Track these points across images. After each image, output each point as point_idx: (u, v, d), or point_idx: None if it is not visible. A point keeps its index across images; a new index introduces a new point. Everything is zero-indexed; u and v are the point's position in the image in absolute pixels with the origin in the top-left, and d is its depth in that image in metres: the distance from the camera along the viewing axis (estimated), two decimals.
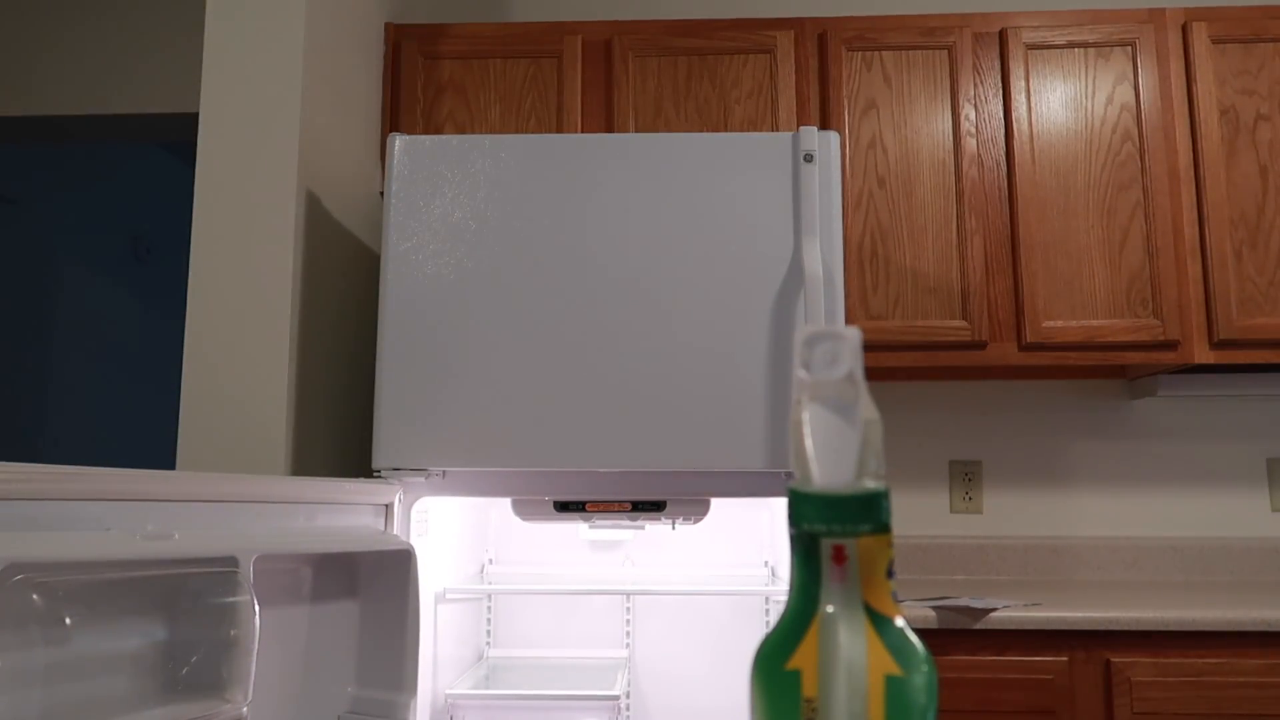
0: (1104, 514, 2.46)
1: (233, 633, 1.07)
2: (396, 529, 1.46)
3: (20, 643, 0.89)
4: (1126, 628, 1.81)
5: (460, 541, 1.83)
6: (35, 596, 0.91)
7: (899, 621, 0.37)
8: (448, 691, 1.60)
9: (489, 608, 1.96)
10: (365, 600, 1.38)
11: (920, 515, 2.48)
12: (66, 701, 0.94)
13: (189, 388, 1.64)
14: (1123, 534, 2.45)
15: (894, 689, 0.34)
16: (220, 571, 1.08)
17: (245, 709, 1.05)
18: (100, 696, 0.97)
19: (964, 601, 1.84)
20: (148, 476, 1.07)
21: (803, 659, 0.36)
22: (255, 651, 1.08)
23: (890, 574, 0.38)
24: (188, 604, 1.07)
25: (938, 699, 0.36)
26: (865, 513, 0.37)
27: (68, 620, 0.95)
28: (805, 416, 0.37)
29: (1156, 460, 2.47)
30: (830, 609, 0.37)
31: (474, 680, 1.74)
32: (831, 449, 0.37)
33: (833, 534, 0.37)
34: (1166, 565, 2.42)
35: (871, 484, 0.37)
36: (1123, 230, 2.19)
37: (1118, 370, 2.40)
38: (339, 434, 1.88)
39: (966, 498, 2.48)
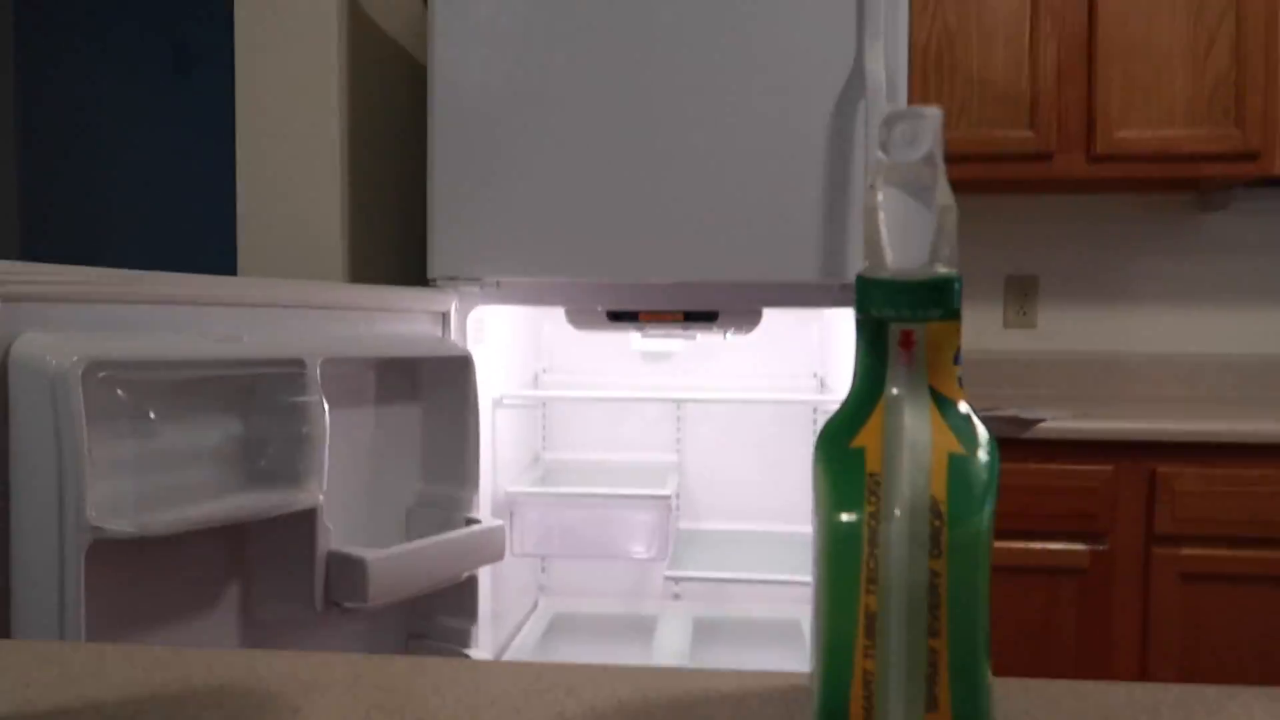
0: (1161, 330, 2.43)
1: (304, 430, 1.12)
2: (454, 337, 1.50)
3: (111, 434, 0.95)
4: (1175, 439, 1.82)
5: (515, 351, 1.87)
6: (120, 392, 0.96)
7: (963, 406, 0.38)
8: (507, 489, 1.68)
9: (544, 414, 2.03)
10: (427, 404, 1.43)
11: (973, 330, 2.47)
12: (158, 488, 1.00)
13: (244, 201, 1.65)
14: (1179, 350, 2.43)
15: (956, 466, 0.35)
16: (289, 373, 1.12)
17: (321, 497, 1.12)
18: (188, 484, 1.04)
19: (1012, 412, 1.86)
20: (215, 282, 1.10)
21: (867, 438, 0.37)
22: (326, 447, 1.13)
23: (957, 360, 0.38)
24: (261, 403, 1.12)
25: (998, 480, 0.37)
26: (936, 298, 0.37)
27: (152, 415, 1.01)
28: (880, 200, 0.36)
29: (1222, 276, 2.41)
30: (895, 391, 0.37)
31: (531, 480, 1.82)
32: (904, 234, 0.36)
33: (902, 319, 0.37)
34: (1222, 382, 2.40)
35: (944, 270, 0.37)
36: (1210, 33, 2.04)
37: (1189, 183, 2.31)
38: (394, 245, 1.90)
39: (1021, 313, 2.45)
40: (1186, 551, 1.85)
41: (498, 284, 1.53)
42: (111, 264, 1.00)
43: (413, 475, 1.43)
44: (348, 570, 1.14)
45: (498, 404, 1.70)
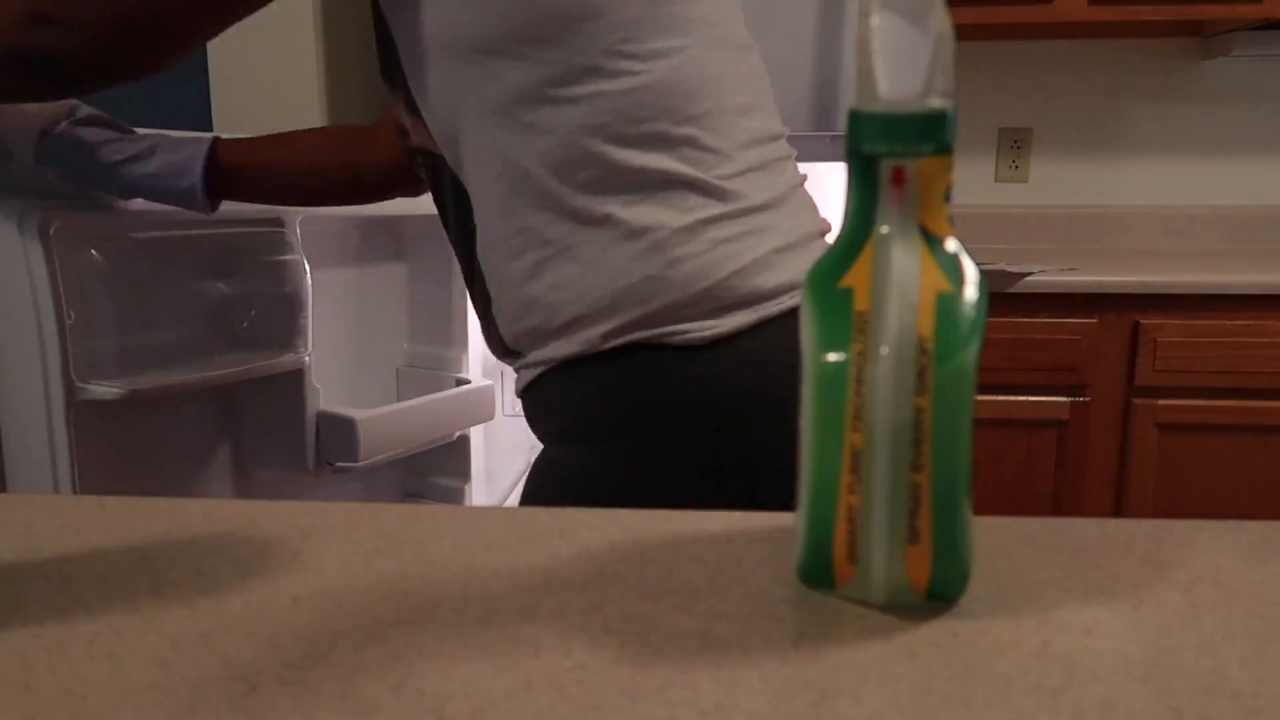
0: (1154, 182, 2.41)
1: (287, 290, 1.12)
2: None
3: (91, 296, 0.94)
4: (1159, 291, 1.83)
5: None
6: (94, 253, 0.95)
7: (952, 243, 0.37)
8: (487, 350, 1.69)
9: None
10: (412, 263, 1.42)
11: (964, 184, 2.44)
12: (143, 351, 1.00)
13: (215, 50, 1.59)
14: (1170, 203, 2.41)
15: (944, 304, 0.35)
16: (269, 233, 1.10)
17: (307, 358, 1.12)
18: (172, 347, 1.04)
19: (1000, 265, 1.86)
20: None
21: (855, 278, 0.37)
22: (310, 306, 1.13)
23: (947, 198, 0.37)
24: (241, 264, 1.11)
25: (986, 317, 0.37)
26: (929, 132, 0.36)
27: (129, 277, 0.99)
28: (874, 26, 0.35)
29: (1219, 125, 2.37)
30: (885, 229, 0.37)
31: None
32: (898, 64, 0.35)
33: (894, 154, 0.36)
34: (1211, 234, 2.40)
35: (938, 102, 0.36)
36: None
37: (1192, 27, 2.24)
38: (372, 97, 1.84)
39: (1013, 166, 2.42)
40: (1165, 402, 1.89)
41: None
42: None
43: (400, 336, 1.43)
44: (338, 430, 1.16)
45: None
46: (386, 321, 1.40)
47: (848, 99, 1.47)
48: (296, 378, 1.12)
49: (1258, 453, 1.89)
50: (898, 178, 0.36)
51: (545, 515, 0.51)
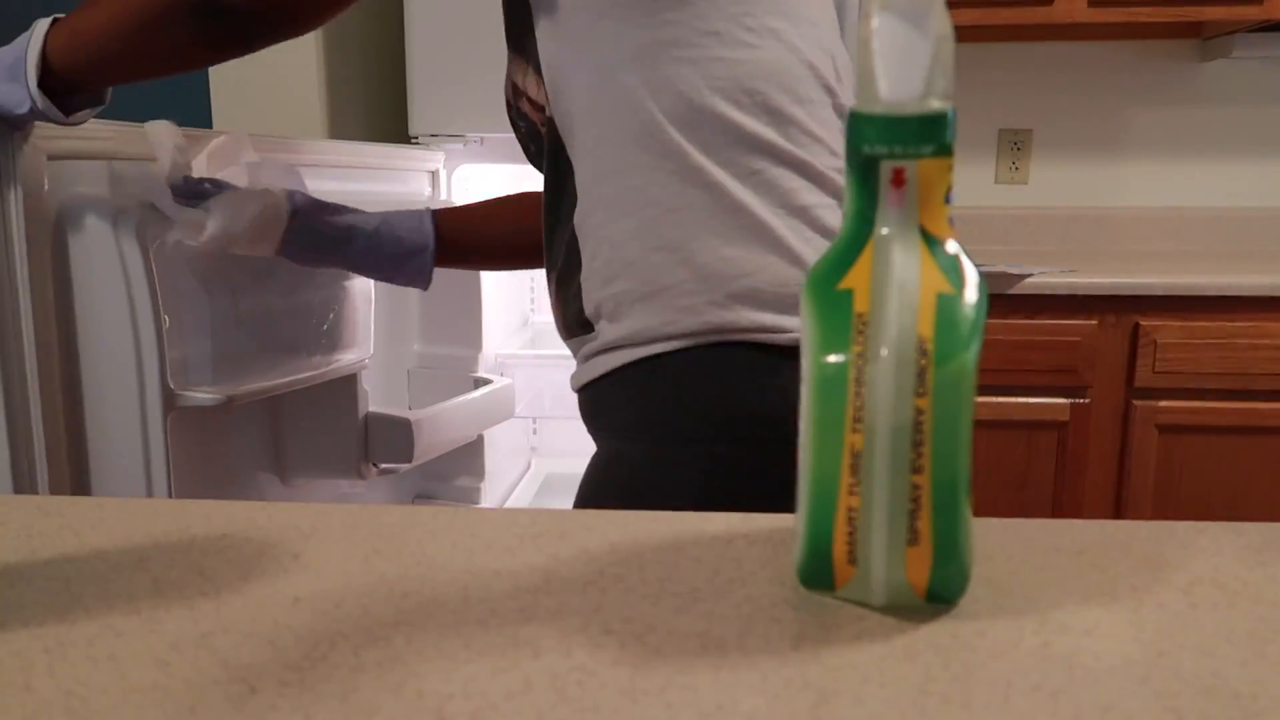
0: (1154, 184, 2.41)
1: (352, 290, 1.10)
2: (443, 197, 1.47)
3: (175, 299, 0.91)
4: (1159, 292, 1.83)
5: None
6: (185, 256, 0.93)
7: (953, 245, 0.37)
8: (497, 352, 1.69)
9: (532, 276, 2.02)
10: None
11: (964, 185, 2.44)
12: (227, 354, 0.98)
13: None
14: (1171, 204, 2.41)
15: (944, 305, 0.35)
16: None
17: (367, 360, 1.11)
18: (253, 349, 1.02)
19: (1000, 267, 1.86)
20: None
21: (855, 279, 0.37)
22: (373, 307, 1.12)
23: (948, 199, 0.37)
24: (296, 265, 1.08)
25: (985, 319, 0.37)
26: (929, 133, 0.36)
27: (214, 280, 0.98)
28: (874, 28, 0.35)
29: (1219, 126, 2.37)
30: (885, 231, 0.37)
31: (520, 342, 1.83)
32: (899, 65, 0.35)
33: (894, 156, 0.36)
34: (1211, 236, 2.40)
35: (938, 104, 0.36)
36: None
37: (1192, 29, 2.24)
38: (373, 101, 1.84)
39: (1013, 167, 2.42)
40: (1165, 404, 1.89)
41: (481, 141, 1.49)
42: None
43: (411, 337, 1.43)
44: (391, 432, 1.14)
45: None
46: (398, 323, 1.40)
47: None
48: (350, 380, 1.11)
49: (1258, 454, 1.89)
50: (898, 179, 0.36)
51: (545, 516, 0.51)
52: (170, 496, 0.86)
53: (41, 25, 0.74)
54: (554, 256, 0.82)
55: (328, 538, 0.48)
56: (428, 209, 0.97)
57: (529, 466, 2.02)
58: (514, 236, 0.99)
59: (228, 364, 0.97)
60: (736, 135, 0.72)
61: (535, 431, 2.05)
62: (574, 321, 0.80)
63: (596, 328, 0.78)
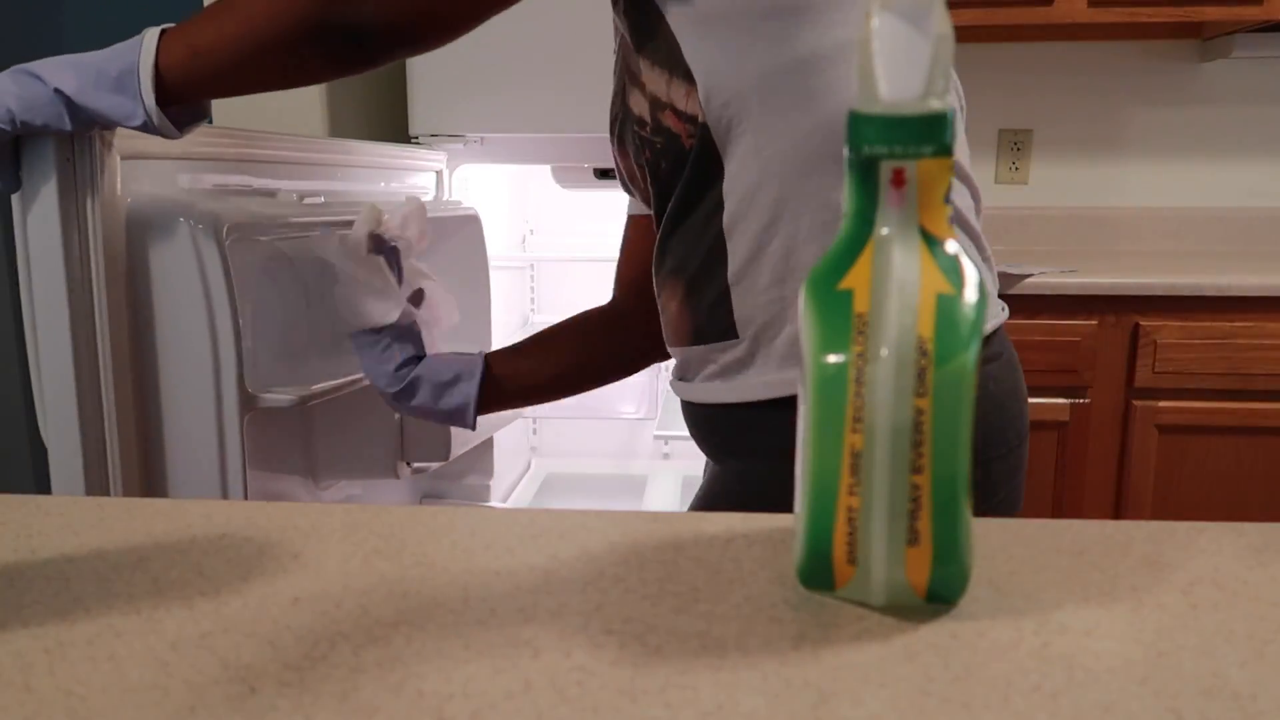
0: (1154, 184, 2.41)
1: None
2: (445, 197, 1.47)
3: (252, 298, 0.91)
4: (1159, 292, 1.83)
5: (502, 212, 1.84)
6: (258, 256, 0.92)
7: (952, 245, 0.37)
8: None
9: (532, 276, 2.02)
10: (432, 265, 1.40)
11: None
12: (296, 354, 0.97)
13: None
14: (1170, 204, 2.41)
15: (944, 306, 0.35)
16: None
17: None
18: (316, 349, 1.01)
19: (1000, 267, 1.86)
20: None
21: (855, 280, 0.37)
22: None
23: (947, 199, 0.37)
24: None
25: (984, 320, 0.37)
26: (928, 134, 0.36)
27: (281, 280, 0.97)
28: (874, 28, 0.35)
29: (1218, 127, 2.37)
30: (885, 231, 0.37)
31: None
32: (898, 66, 0.35)
33: (894, 156, 0.36)
34: (1211, 236, 2.40)
35: (937, 104, 0.36)
36: None
37: (1192, 29, 2.24)
38: (373, 101, 1.84)
39: (1013, 167, 2.42)
40: (1164, 404, 1.89)
41: (481, 141, 1.49)
42: None
43: None
44: (427, 431, 1.13)
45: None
46: None
47: None
48: None
49: (1257, 454, 1.89)
50: (898, 180, 0.36)
51: (545, 516, 0.51)
52: (245, 499, 0.86)
53: (152, 35, 0.73)
54: (681, 260, 0.80)
55: (327, 538, 0.48)
56: (481, 354, 0.95)
57: (529, 466, 2.02)
58: (570, 369, 0.99)
59: (297, 365, 0.97)
60: None
61: (535, 431, 2.05)
62: (709, 328, 0.79)
63: (744, 334, 0.76)
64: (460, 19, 0.75)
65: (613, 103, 0.85)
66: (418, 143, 1.48)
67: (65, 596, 0.42)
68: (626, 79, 0.81)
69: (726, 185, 0.75)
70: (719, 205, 0.75)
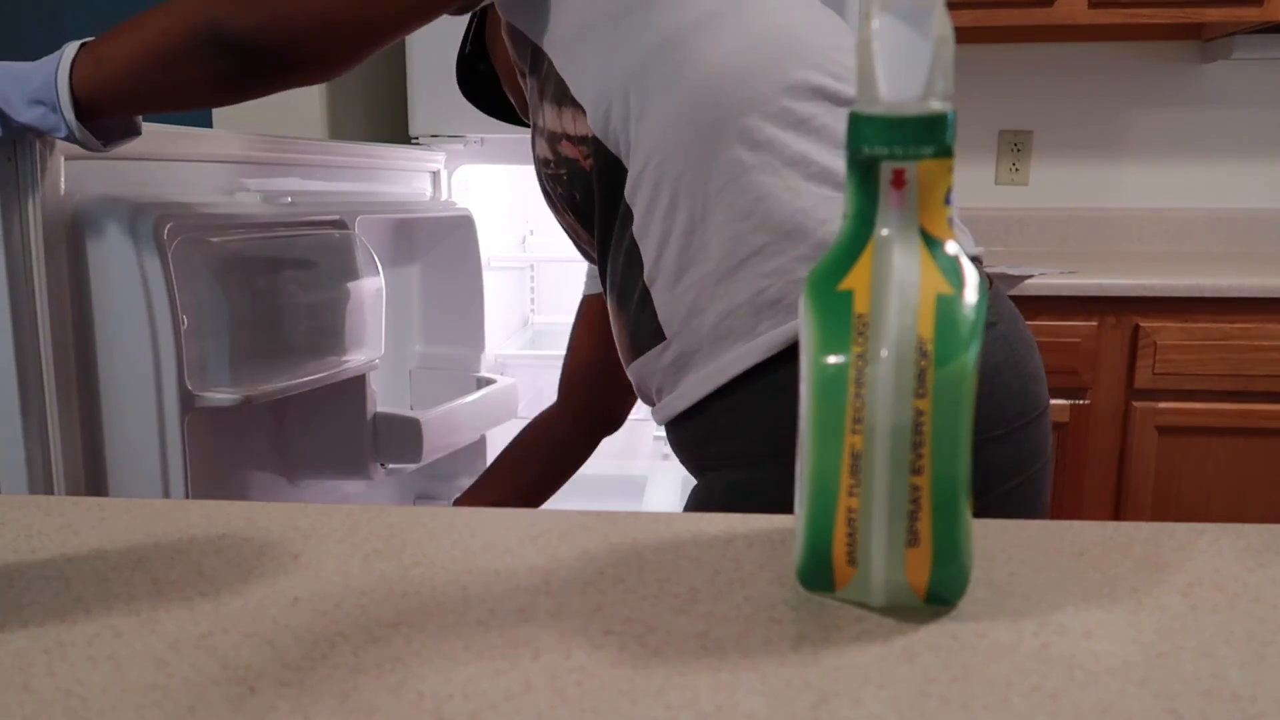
0: (1155, 185, 2.41)
1: (362, 289, 1.09)
2: (444, 197, 1.47)
3: (193, 297, 0.91)
4: (1159, 294, 1.83)
5: (502, 213, 1.84)
6: (200, 255, 0.92)
7: (952, 246, 0.37)
8: (497, 352, 1.69)
9: (532, 276, 2.02)
10: (425, 264, 1.41)
11: (964, 187, 2.44)
12: (241, 353, 0.97)
13: None
14: (1170, 205, 2.41)
15: (944, 306, 0.35)
16: (330, 233, 1.08)
17: (377, 360, 1.11)
18: (266, 349, 1.01)
19: (1000, 268, 1.86)
20: (259, 140, 1.04)
21: (855, 280, 0.37)
22: (383, 306, 1.11)
23: (948, 200, 0.37)
24: (320, 265, 1.08)
25: (985, 322, 0.37)
26: (929, 135, 0.36)
27: (227, 280, 0.97)
28: (874, 29, 0.35)
29: (1219, 128, 2.37)
30: (885, 232, 0.37)
31: (520, 343, 1.83)
32: (898, 67, 0.35)
33: (894, 157, 0.36)
34: (1211, 237, 2.40)
35: (938, 105, 0.36)
36: None
37: (1192, 30, 2.24)
38: (373, 101, 1.84)
39: (1013, 169, 2.42)
40: (1164, 405, 1.89)
41: (481, 141, 1.49)
42: None
43: (413, 338, 1.43)
44: (400, 432, 1.14)
45: (485, 266, 1.69)
46: (400, 324, 1.40)
47: None
48: (360, 380, 1.10)
49: (1257, 456, 1.89)
50: (898, 180, 0.36)
51: (545, 517, 0.51)
52: (187, 497, 0.86)
53: (71, 48, 0.73)
54: (612, 279, 0.80)
55: (327, 538, 0.48)
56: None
57: None
58: (536, 489, 1.08)
59: (243, 364, 0.97)
60: (783, 85, 0.71)
61: None
62: (642, 337, 0.78)
63: (669, 332, 0.75)
64: (341, 55, 0.75)
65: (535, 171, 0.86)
66: (418, 143, 1.48)
67: (65, 596, 0.42)
68: (533, 134, 0.83)
69: (628, 191, 0.75)
70: (629, 214, 0.76)
